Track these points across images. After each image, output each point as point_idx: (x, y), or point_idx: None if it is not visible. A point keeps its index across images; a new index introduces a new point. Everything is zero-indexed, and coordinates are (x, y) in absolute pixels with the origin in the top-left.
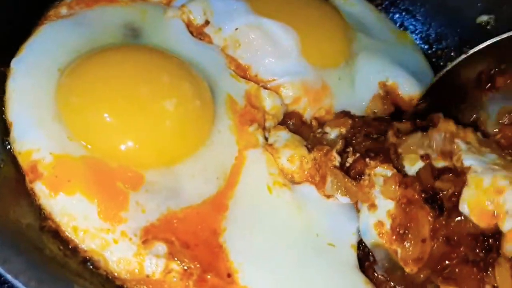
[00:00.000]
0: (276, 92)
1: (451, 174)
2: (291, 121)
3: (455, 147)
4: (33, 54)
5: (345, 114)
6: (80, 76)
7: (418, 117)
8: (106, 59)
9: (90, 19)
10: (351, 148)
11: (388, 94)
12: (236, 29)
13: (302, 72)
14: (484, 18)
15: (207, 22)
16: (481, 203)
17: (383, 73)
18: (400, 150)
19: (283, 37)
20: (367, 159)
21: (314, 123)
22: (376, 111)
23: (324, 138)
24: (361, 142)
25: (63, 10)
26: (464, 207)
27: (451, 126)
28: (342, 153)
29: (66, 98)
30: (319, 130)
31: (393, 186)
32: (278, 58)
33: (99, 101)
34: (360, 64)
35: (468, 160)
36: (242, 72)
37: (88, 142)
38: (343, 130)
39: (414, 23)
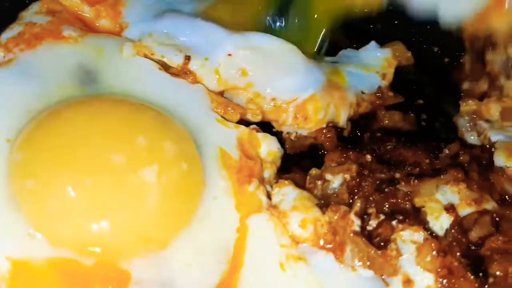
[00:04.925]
0: (303, 110)
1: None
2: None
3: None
4: None
5: (343, 151)
6: (35, 149)
7: None
8: (65, 123)
9: (35, 65)
10: (374, 209)
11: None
12: (229, 55)
13: (314, 72)
14: None
15: (187, 58)
16: None
17: None
18: (417, 202)
19: (278, 46)
20: (394, 222)
21: (348, 127)
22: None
23: (327, 188)
24: (370, 195)
25: None
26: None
27: (470, 105)
28: (363, 215)
29: (21, 180)
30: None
31: (430, 256)
32: (288, 72)
33: (63, 182)
34: None
35: (495, 136)
36: (236, 109)
37: (53, 237)
38: (347, 177)
39: None
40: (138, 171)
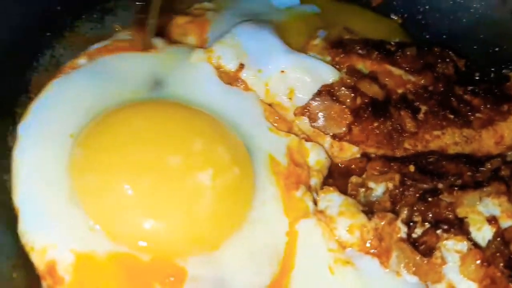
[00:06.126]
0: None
1: None
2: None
3: None
4: (41, 117)
5: (385, 161)
6: (95, 145)
7: None
8: (124, 123)
9: (107, 67)
10: (420, 218)
11: None
12: (282, 71)
13: None
14: None
15: (241, 66)
16: None
17: None
18: (459, 212)
19: (328, 74)
20: (439, 231)
21: None
22: None
23: (370, 195)
24: (413, 204)
25: (82, 60)
26: None
27: None
28: (409, 223)
29: (81, 175)
30: (362, 189)
31: (473, 265)
32: None
33: (120, 179)
34: None
35: None
36: (283, 124)
37: (111, 232)
38: (390, 186)
39: None
40: (194, 173)
